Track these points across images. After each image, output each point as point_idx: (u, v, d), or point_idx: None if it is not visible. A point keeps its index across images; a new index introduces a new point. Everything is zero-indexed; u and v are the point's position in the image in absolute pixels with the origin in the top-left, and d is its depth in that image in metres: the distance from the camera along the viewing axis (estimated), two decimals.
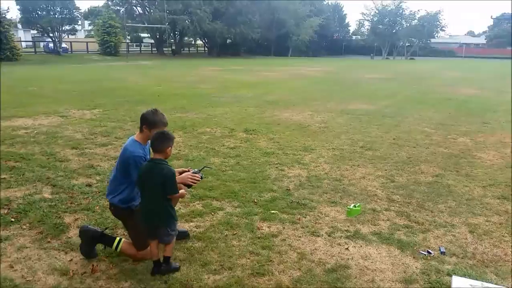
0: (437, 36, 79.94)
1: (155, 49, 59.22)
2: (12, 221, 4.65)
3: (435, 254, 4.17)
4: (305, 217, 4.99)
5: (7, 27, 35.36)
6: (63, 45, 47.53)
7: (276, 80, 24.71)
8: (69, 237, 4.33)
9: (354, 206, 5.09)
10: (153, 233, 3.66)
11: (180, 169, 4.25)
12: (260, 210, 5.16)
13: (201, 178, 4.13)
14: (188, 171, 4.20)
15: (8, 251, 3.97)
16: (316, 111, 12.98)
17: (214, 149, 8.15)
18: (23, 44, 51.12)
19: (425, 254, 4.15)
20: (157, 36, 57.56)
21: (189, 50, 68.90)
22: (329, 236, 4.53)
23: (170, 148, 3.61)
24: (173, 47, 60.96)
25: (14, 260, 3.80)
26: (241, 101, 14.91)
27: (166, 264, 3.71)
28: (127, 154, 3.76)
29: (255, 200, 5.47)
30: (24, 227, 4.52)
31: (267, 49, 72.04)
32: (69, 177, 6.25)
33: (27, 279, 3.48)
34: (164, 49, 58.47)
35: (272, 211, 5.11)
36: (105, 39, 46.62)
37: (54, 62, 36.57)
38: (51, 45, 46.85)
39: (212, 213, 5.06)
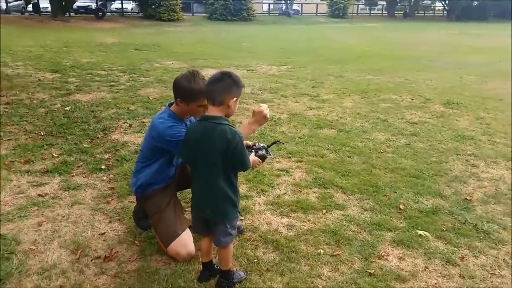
0: None
1: (386, 11, 55.46)
2: (101, 168, 4.11)
3: None
4: (476, 258, 2.80)
5: None
6: (295, 7, 49.24)
7: None
8: (133, 202, 3.46)
9: None
10: (205, 227, 2.37)
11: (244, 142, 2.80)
12: (401, 225, 3.20)
13: (266, 157, 2.68)
14: (253, 145, 2.72)
15: (59, 203, 3.36)
16: None
17: (386, 121, 6.12)
18: (264, 6, 55.22)
19: None
20: None
21: (424, 14, 61.97)
22: None
23: (235, 99, 2.17)
24: (406, 10, 55.82)
25: (52, 217, 3.14)
26: (461, 68, 11.68)
27: (226, 280, 2.42)
28: (157, 132, 2.59)
29: (402, 206, 3.49)
30: (104, 178, 3.91)
31: None
32: None
33: (32, 247, 2.73)
34: (396, 12, 54.09)
35: (420, 232, 3.08)
36: (334, 0, 46.07)
37: (282, 23, 38.08)
38: (283, 8, 49.15)
39: (324, 211, 3.39)
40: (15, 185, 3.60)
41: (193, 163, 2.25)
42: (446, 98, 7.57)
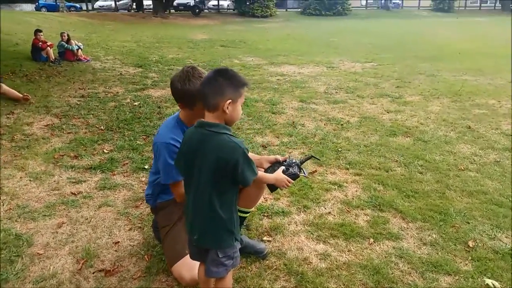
0: None
1: (499, 5, 49.71)
2: (144, 168, 3.98)
3: None
4: None
5: None
6: (395, 0, 46.42)
7: None
8: None
9: None
10: (198, 253, 2.02)
11: (272, 157, 2.40)
12: (465, 267, 2.53)
13: (298, 176, 2.28)
14: (284, 161, 2.30)
15: (88, 204, 3.26)
16: None
17: (477, 131, 5.20)
18: (363, 1, 52.90)
19: None
20: None
21: None
22: None
23: (229, 102, 1.75)
24: None
25: (75, 219, 3.03)
26: None
27: None
28: (155, 140, 2.31)
29: (471, 243, 2.79)
30: (143, 179, 3.74)
31: None
32: (258, 133, 5.14)
33: (40, 251, 2.61)
34: None
35: (488, 281, 2.39)
36: None
37: (378, 17, 36.09)
38: (383, 1, 46.63)
39: (372, 240, 2.83)
40: (54, 181, 3.60)
41: (186, 176, 1.91)
42: None
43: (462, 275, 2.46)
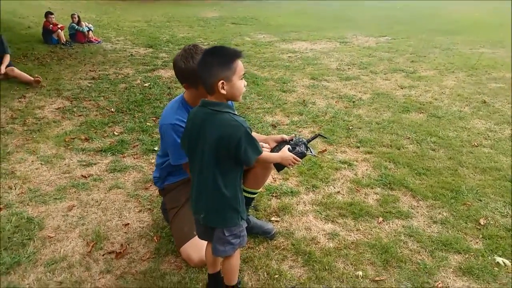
0: None
1: None
2: (154, 150, 3.99)
3: None
4: None
5: None
6: None
7: None
8: None
9: None
10: (205, 232, 2.04)
11: (278, 136, 2.38)
12: (475, 246, 2.50)
13: (305, 154, 2.23)
14: (291, 140, 2.27)
15: (98, 186, 3.29)
16: None
17: (492, 106, 5.06)
18: None
19: None
20: None
21: None
22: None
23: (222, 83, 1.70)
24: None
25: (85, 201, 3.06)
26: None
27: None
28: (161, 123, 2.29)
29: (483, 221, 2.74)
30: (152, 161, 3.76)
31: None
32: (267, 112, 5.09)
33: (51, 234, 2.66)
34: None
35: (499, 259, 2.36)
36: None
37: None
38: None
39: (381, 219, 2.81)
40: (65, 164, 3.64)
41: (191, 156, 1.90)
42: None
43: (472, 254, 2.42)
